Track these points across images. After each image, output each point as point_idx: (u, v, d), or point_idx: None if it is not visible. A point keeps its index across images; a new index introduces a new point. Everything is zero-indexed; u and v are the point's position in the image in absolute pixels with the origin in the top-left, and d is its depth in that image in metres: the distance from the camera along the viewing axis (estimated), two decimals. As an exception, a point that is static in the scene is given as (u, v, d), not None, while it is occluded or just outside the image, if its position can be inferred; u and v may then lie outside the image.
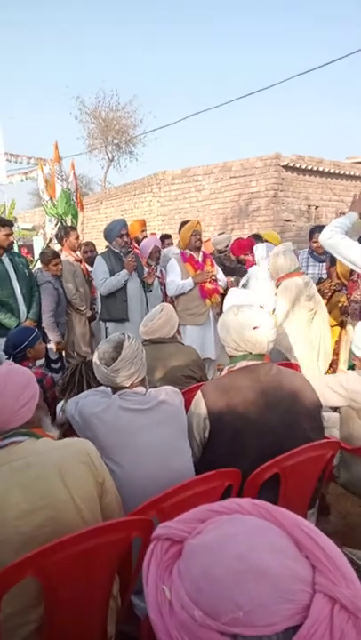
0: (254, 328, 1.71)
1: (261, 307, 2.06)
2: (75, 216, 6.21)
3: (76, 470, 1.22)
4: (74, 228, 4.81)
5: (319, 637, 0.44)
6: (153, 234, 6.20)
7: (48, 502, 1.14)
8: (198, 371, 2.56)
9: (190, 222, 4.24)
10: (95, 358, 1.65)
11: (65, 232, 4.63)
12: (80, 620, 1.17)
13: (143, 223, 5.41)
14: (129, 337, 1.66)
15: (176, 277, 3.99)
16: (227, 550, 0.49)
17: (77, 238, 4.61)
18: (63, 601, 1.10)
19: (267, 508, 0.55)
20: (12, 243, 4.10)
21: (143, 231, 5.19)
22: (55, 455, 1.22)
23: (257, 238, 4.96)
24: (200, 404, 1.70)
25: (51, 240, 6.11)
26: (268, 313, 2.01)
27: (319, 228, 3.51)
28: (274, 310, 3.20)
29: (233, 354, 1.78)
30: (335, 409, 2.41)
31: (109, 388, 1.68)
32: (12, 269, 3.77)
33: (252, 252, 4.93)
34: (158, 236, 5.44)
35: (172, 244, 5.77)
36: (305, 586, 0.47)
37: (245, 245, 4.83)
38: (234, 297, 3.20)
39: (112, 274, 3.93)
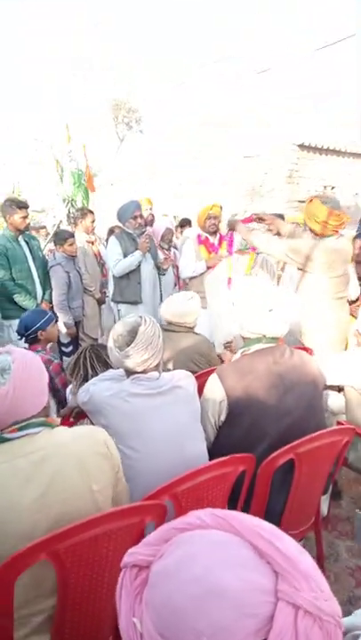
0: (270, 311, 1.67)
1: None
2: (86, 198, 6.13)
3: (96, 462, 1.19)
4: (91, 212, 4.75)
5: None
6: (165, 215, 6.12)
7: (67, 496, 1.11)
8: (204, 363, 2.45)
9: (207, 205, 4.13)
10: (110, 340, 1.61)
11: (82, 214, 4.58)
12: (93, 605, 1.17)
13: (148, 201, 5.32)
14: (146, 320, 1.58)
15: (189, 260, 3.94)
16: (184, 574, 0.48)
17: (93, 221, 4.56)
18: (76, 586, 1.10)
19: (225, 519, 0.53)
20: (29, 225, 4.08)
21: (147, 210, 5.11)
22: (73, 447, 1.17)
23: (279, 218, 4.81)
24: (217, 388, 1.67)
25: (61, 222, 6.06)
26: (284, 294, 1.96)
27: None
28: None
29: (247, 336, 1.75)
30: (338, 390, 2.40)
31: (122, 372, 1.65)
32: (28, 251, 3.77)
33: None
34: (170, 218, 5.37)
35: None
36: (267, 596, 0.45)
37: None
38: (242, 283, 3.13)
39: (125, 255, 3.89)
